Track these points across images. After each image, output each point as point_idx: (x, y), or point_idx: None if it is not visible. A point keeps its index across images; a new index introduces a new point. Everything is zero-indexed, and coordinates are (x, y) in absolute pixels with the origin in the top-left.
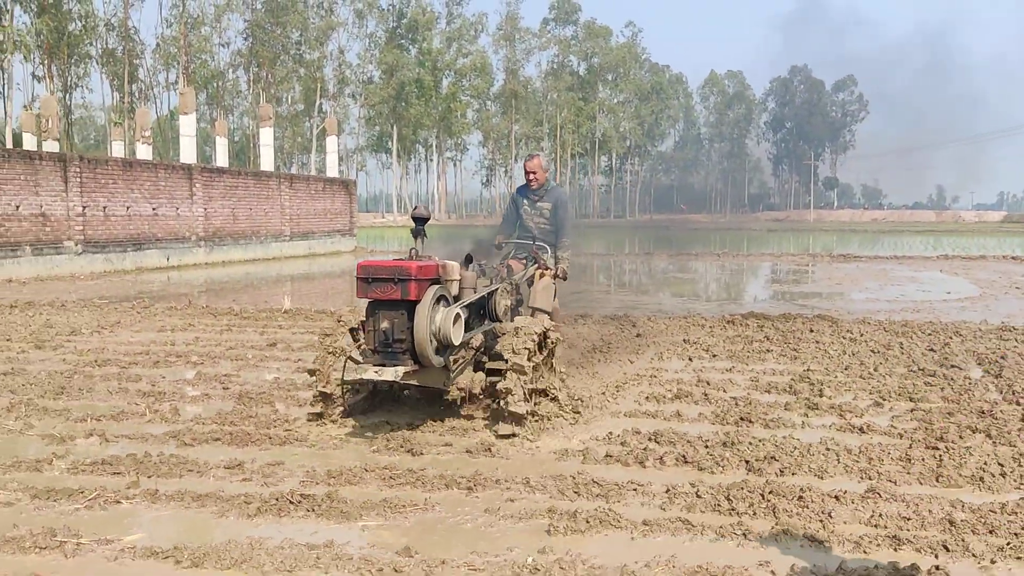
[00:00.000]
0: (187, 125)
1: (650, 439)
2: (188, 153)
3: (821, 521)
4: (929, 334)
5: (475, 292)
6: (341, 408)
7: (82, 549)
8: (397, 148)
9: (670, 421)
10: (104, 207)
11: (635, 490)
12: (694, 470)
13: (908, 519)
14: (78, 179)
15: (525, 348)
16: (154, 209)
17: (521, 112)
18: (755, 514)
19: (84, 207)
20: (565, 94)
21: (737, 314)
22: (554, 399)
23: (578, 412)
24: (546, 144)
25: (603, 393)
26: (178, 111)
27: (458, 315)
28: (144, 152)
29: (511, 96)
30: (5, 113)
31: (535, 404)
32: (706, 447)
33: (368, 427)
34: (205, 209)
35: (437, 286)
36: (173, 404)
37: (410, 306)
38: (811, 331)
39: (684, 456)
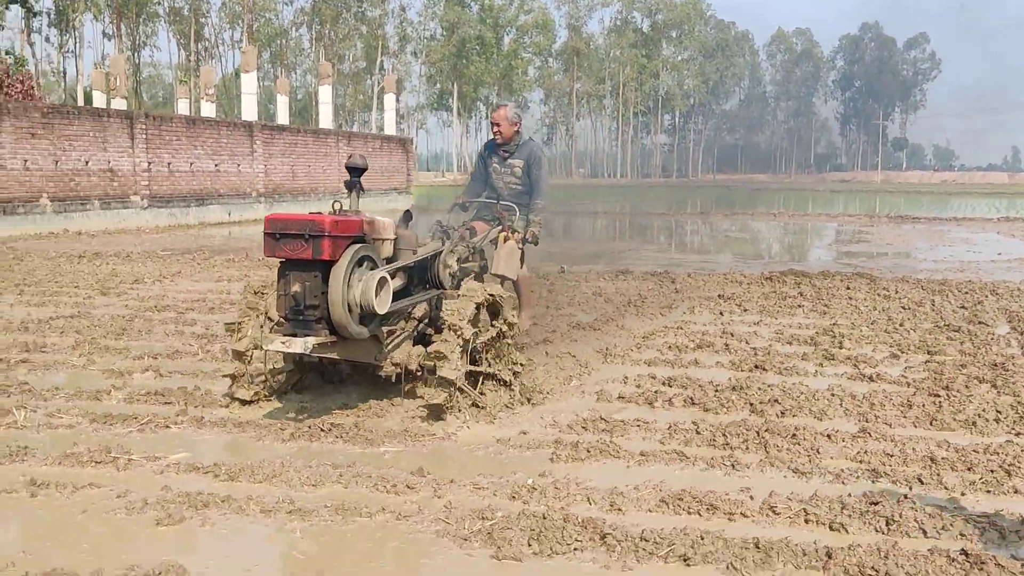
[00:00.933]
0: (249, 83)
1: (664, 383)
2: (249, 111)
3: (808, 456)
4: (965, 292)
5: (414, 254)
6: (262, 377)
7: (132, 464)
8: (457, 106)
9: (687, 368)
10: (168, 163)
11: (639, 426)
12: (699, 410)
13: (891, 455)
14: (144, 136)
15: (465, 311)
16: (216, 165)
17: (583, 69)
18: (747, 449)
19: (149, 163)
20: (628, 51)
21: (776, 271)
22: (504, 384)
23: (530, 402)
24: (608, 102)
25: (628, 345)
26: (241, 69)
27: (383, 279)
28: (208, 110)
29: (573, 53)
30: (77, 71)
31: (478, 385)
32: (716, 391)
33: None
34: (265, 166)
35: (359, 246)
36: (224, 345)
37: (325, 267)
38: (847, 288)
39: (692, 398)
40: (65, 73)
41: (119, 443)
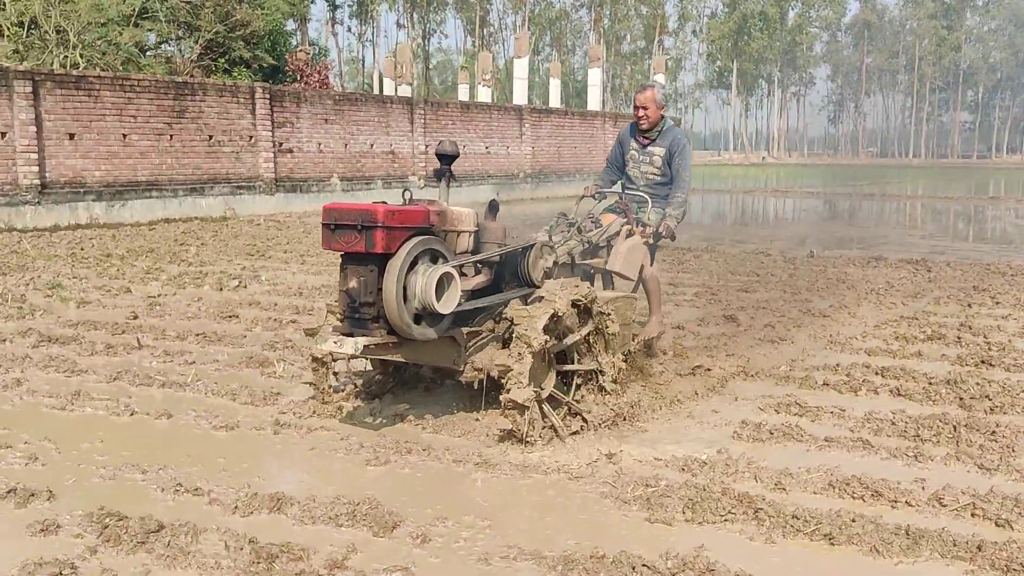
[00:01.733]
0: (520, 68)
1: (876, 373)
2: (520, 95)
3: (1000, 454)
4: None
5: (499, 248)
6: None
7: (356, 415)
8: (737, 84)
9: (907, 359)
10: None
11: (833, 413)
12: (903, 401)
13: None
14: (422, 120)
15: (540, 315)
16: (487, 148)
17: (875, 43)
18: (937, 442)
19: (427, 146)
20: (926, 22)
21: None
22: (577, 416)
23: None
24: (902, 77)
25: (854, 334)
26: (515, 55)
27: (448, 275)
28: (485, 94)
29: (864, 26)
30: (373, 59)
31: (547, 412)
32: (928, 384)
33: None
34: (532, 148)
35: (423, 238)
36: None
37: (381, 261)
38: None
39: (899, 389)
40: (363, 61)
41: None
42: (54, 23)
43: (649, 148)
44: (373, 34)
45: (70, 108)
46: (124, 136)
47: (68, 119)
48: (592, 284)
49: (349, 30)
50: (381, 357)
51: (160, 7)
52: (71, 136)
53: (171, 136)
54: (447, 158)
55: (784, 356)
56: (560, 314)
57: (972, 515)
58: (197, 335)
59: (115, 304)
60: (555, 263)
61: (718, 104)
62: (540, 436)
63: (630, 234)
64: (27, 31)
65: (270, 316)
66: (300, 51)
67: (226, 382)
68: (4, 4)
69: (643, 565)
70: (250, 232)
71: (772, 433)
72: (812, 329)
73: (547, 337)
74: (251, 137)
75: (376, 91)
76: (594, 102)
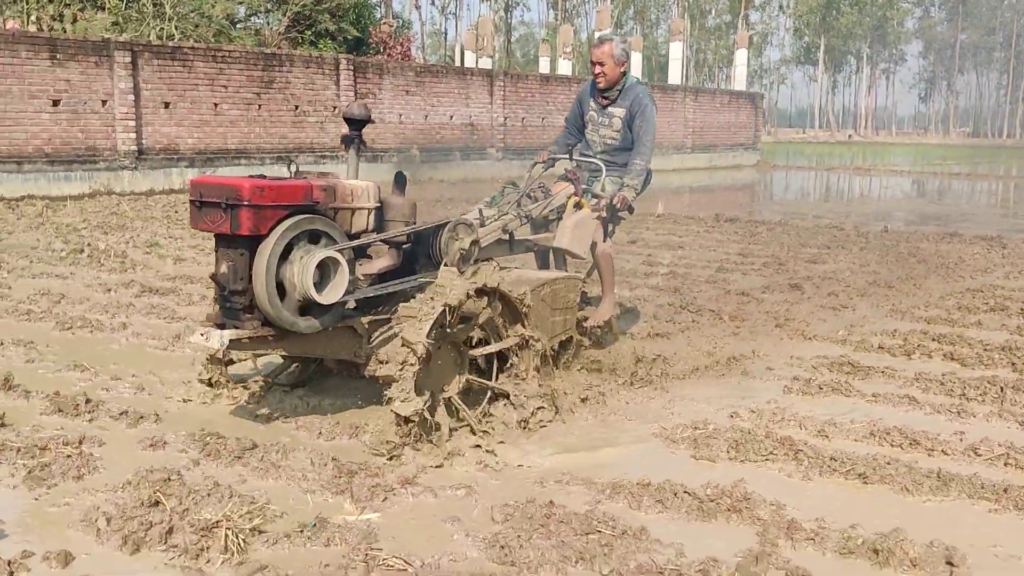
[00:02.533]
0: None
1: (932, 339)
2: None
3: None
4: None
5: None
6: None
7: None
8: (824, 60)
9: (967, 328)
10: (522, 118)
11: (883, 373)
12: (956, 365)
13: None
14: (502, 93)
15: (425, 317)
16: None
17: (970, 19)
18: (983, 401)
19: (505, 118)
20: None
21: None
22: (513, 406)
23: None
24: (998, 54)
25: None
26: (596, 28)
27: (332, 261)
28: (565, 68)
29: (959, 1)
30: (455, 32)
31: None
32: (983, 350)
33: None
34: None
35: (302, 217)
36: None
37: (253, 244)
38: None
39: (952, 354)
40: (445, 34)
41: None
42: None
43: (609, 109)
44: (456, 7)
45: (166, 78)
46: (215, 105)
47: (164, 88)
48: (544, 262)
49: (432, 3)
50: (256, 352)
51: None
52: (166, 105)
53: (259, 106)
54: (356, 123)
55: (844, 321)
56: (454, 306)
57: (1005, 464)
58: None
59: (208, 261)
60: (474, 243)
61: (804, 80)
62: (438, 442)
63: (578, 206)
64: (126, 4)
65: None
66: (384, 24)
67: None
68: None
69: (685, 492)
70: None
71: (821, 388)
72: (875, 299)
73: (434, 340)
74: (335, 107)
75: (457, 64)
76: (675, 76)
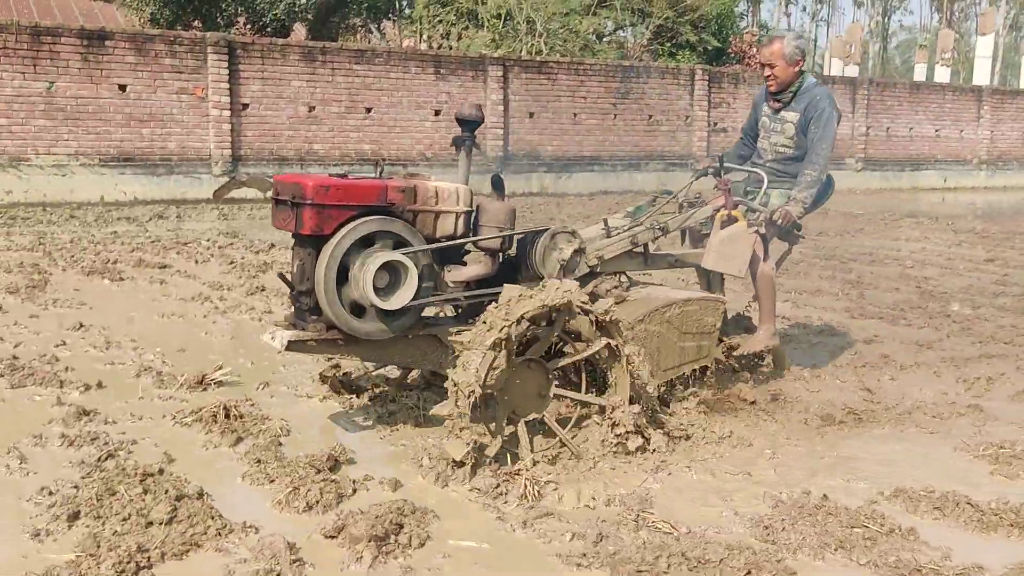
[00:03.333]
0: (983, 46)
1: None
2: (981, 75)
3: None
4: None
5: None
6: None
7: None
8: None
9: None
10: (887, 128)
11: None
12: None
13: None
14: (865, 101)
15: (476, 354)
16: (936, 131)
17: None
18: None
19: (868, 127)
20: None
21: None
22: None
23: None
24: None
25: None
26: (977, 32)
27: (398, 264)
28: (942, 75)
29: None
30: (826, 39)
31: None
32: None
33: None
34: (991, 132)
35: (374, 218)
36: (861, 291)
37: (319, 244)
38: None
39: None
40: (815, 41)
41: None
42: (525, 15)
43: (781, 114)
44: (828, 13)
45: (532, 90)
46: (575, 115)
47: (530, 99)
48: (707, 280)
49: (803, 9)
50: (326, 355)
51: None
52: (531, 115)
53: (615, 115)
54: (468, 123)
55: None
56: (503, 339)
57: None
58: None
59: None
60: (577, 252)
61: None
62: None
63: (730, 220)
64: (503, 22)
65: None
66: (747, 33)
67: None
68: None
69: (967, 503)
70: None
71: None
72: None
73: (489, 373)
74: (687, 117)
75: (824, 72)
76: (982, 76)
